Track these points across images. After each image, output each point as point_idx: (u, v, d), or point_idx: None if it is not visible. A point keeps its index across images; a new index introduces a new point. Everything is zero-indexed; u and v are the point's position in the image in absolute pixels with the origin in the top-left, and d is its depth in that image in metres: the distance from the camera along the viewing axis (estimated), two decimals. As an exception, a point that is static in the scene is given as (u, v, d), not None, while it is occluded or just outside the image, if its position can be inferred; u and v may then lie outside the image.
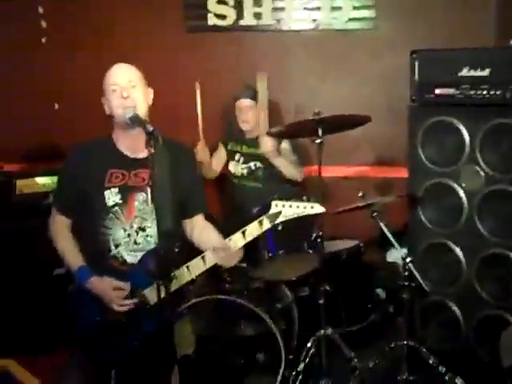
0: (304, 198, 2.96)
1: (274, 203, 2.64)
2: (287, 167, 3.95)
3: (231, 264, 2.78)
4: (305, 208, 2.62)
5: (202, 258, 2.73)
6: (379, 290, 4.22)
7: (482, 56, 3.29)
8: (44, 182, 4.14)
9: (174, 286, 2.63)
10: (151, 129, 2.32)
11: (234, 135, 4.30)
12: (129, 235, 2.71)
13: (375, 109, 4.39)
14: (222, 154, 4.33)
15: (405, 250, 3.60)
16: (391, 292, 4.11)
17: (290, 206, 2.62)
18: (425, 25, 4.30)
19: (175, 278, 2.69)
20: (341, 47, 4.50)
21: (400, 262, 3.33)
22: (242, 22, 4.59)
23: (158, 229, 2.45)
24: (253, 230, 2.67)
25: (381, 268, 4.27)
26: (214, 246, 2.71)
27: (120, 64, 2.73)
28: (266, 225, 2.65)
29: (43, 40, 4.93)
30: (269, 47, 4.62)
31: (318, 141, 3.19)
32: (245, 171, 4.20)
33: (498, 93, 3.21)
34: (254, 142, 4.09)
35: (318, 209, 2.61)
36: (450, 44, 3.88)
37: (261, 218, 2.65)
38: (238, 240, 2.68)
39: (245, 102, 4.10)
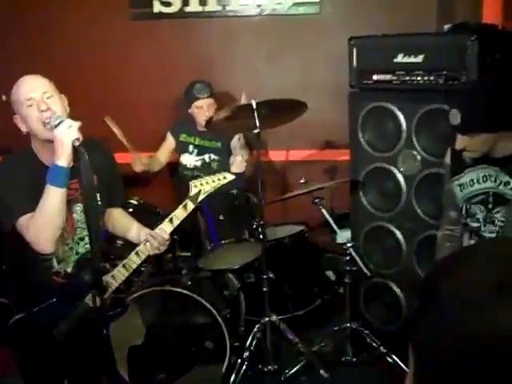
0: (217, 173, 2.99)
1: (191, 184, 2.77)
2: (241, 162, 3.92)
3: (161, 251, 2.82)
4: (219, 180, 2.78)
5: (136, 252, 2.76)
6: (329, 273, 4.31)
7: (416, 42, 3.34)
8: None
9: (111, 288, 2.69)
10: (77, 144, 2.33)
11: (186, 126, 4.28)
12: (71, 248, 2.70)
13: (320, 93, 4.46)
14: (170, 144, 4.33)
15: (349, 232, 3.68)
16: (341, 273, 4.19)
17: (207, 183, 2.76)
18: (368, 10, 4.34)
19: (111, 283, 2.74)
20: (285, 32, 4.52)
21: (348, 242, 3.41)
22: (187, 9, 4.58)
23: (89, 234, 2.47)
24: (179, 214, 2.75)
25: (330, 250, 4.34)
26: (147, 237, 2.75)
27: (29, 77, 2.59)
28: (191, 207, 2.75)
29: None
30: (215, 33, 4.62)
31: (256, 131, 3.22)
32: (198, 163, 4.20)
33: (431, 79, 3.25)
34: (208, 134, 4.11)
35: (230, 177, 2.79)
36: (393, 30, 3.93)
37: (184, 201, 2.74)
38: (166, 227, 2.75)
39: (205, 102, 4.09)
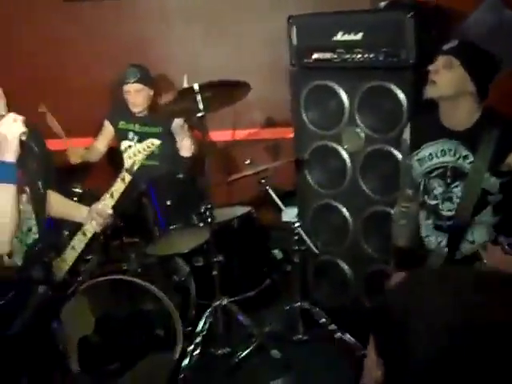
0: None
1: (125, 157, 2.83)
2: (190, 145, 3.94)
3: (104, 226, 2.83)
4: (148, 147, 2.80)
5: (83, 232, 2.78)
6: (276, 251, 4.32)
7: (355, 20, 3.35)
8: None
9: (63, 271, 2.69)
10: (24, 138, 2.26)
11: (124, 113, 4.17)
12: (21, 240, 2.63)
13: (260, 71, 4.43)
14: (109, 132, 4.23)
15: (295, 210, 3.69)
16: (288, 251, 4.22)
17: (139, 152, 2.79)
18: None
19: (62, 266, 2.70)
20: (222, 9, 4.45)
21: (294, 220, 3.42)
22: (121, -11, 4.47)
23: (38, 224, 2.43)
24: (118, 188, 2.77)
25: (276, 228, 4.35)
26: (92, 214, 2.76)
27: None
28: (128, 178, 2.78)
29: None
30: (150, 14, 4.52)
31: (200, 114, 3.18)
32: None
33: (371, 56, 3.27)
34: (147, 120, 4.04)
35: (156, 142, 2.82)
36: (329, 6, 3.93)
37: (121, 174, 2.77)
38: (108, 202, 2.78)
39: (132, 87, 4.00)
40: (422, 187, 2.70)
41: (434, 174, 2.64)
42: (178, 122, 3.95)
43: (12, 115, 2.30)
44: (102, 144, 4.23)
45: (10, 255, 2.57)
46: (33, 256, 2.59)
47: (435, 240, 2.66)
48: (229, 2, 4.44)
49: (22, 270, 2.62)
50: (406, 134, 2.77)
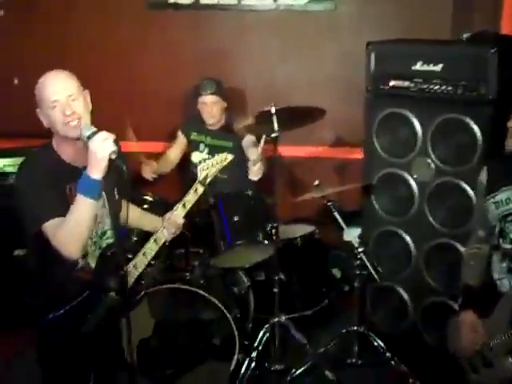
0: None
1: (199, 169, 2.95)
2: (258, 170, 3.91)
3: (175, 235, 2.96)
4: (221, 161, 2.96)
5: (155, 240, 2.90)
6: (335, 270, 4.34)
7: (436, 50, 3.35)
8: (5, 162, 4.10)
9: (133, 277, 2.84)
10: (114, 157, 2.32)
11: (197, 124, 4.26)
12: (95, 243, 2.70)
13: (334, 90, 4.46)
14: (182, 143, 4.32)
15: (357, 230, 3.70)
16: (347, 271, 4.23)
17: (212, 165, 2.95)
18: (385, 10, 4.33)
19: (133, 272, 2.86)
20: (301, 28, 4.50)
21: (355, 240, 3.43)
22: (202, 1, 4.55)
23: (113, 229, 2.54)
24: (191, 199, 2.91)
25: (337, 247, 4.36)
26: (164, 223, 2.90)
27: (54, 76, 2.54)
28: (200, 190, 2.93)
29: (1, 13, 4.82)
30: (229, 27, 4.60)
31: (274, 135, 3.23)
32: None
33: (449, 88, 3.26)
34: (219, 133, 4.12)
35: (229, 157, 2.98)
36: (408, 30, 3.93)
37: (194, 186, 2.91)
38: (180, 212, 2.91)
39: (208, 98, 4.08)
40: (497, 230, 2.69)
41: (510, 218, 2.63)
42: (249, 139, 4.00)
43: (104, 134, 2.36)
44: (174, 155, 4.32)
45: (83, 257, 2.68)
46: (107, 260, 2.68)
47: (509, 283, 2.65)
48: (309, 20, 4.47)
49: (95, 273, 2.72)
50: (483, 176, 2.76)
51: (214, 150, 4.12)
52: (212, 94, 4.06)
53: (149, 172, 4.13)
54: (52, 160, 2.61)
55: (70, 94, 2.51)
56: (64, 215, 2.47)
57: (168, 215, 2.96)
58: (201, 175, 2.93)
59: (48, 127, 2.58)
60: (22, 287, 3.23)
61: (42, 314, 2.66)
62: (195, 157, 4.23)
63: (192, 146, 4.27)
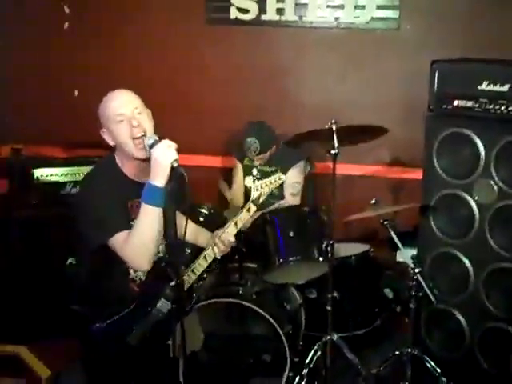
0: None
1: (253, 188, 2.94)
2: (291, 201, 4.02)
3: (225, 253, 2.97)
4: (275, 181, 2.94)
5: (204, 257, 2.93)
6: (387, 290, 4.27)
7: (503, 71, 3.27)
8: (62, 171, 4.18)
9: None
10: (176, 164, 2.34)
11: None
12: None
13: (394, 109, 4.42)
14: (240, 171, 4.32)
15: (411, 251, 3.63)
16: (399, 292, 4.16)
17: (266, 185, 2.93)
18: (449, 30, 4.27)
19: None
20: (362, 46, 4.49)
21: (409, 261, 3.35)
22: (264, 17, 4.59)
23: (166, 244, 2.57)
24: (243, 217, 2.91)
25: (390, 267, 4.30)
26: (215, 241, 2.91)
27: (119, 93, 2.61)
28: (253, 209, 2.92)
29: (66, 25, 4.95)
30: (289, 44, 4.62)
31: (334, 152, 3.21)
32: None
33: (516, 109, 3.20)
34: (268, 163, 4.12)
35: (283, 177, 2.97)
36: (472, 50, 3.87)
37: (247, 205, 2.91)
38: (231, 230, 2.91)
39: (255, 157, 4.06)
40: None
41: None
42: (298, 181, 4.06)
43: (167, 142, 2.39)
44: (238, 185, 4.33)
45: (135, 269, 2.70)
46: (157, 273, 2.69)
47: None
48: (370, 37, 4.46)
49: (145, 284, 2.73)
50: None
51: (265, 175, 4.11)
52: (257, 155, 4.01)
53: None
54: (116, 174, 2.66)
55: (135, 106, 2.56)
56: (129, 229, 2.50)
57: (219, 233, 2.96)
58: (254, 194, 2.93)
59: (112, 145, 2.63)
60: (71, 295, 3.28)
61: (89, 322, 2.69)
62: (248, 181, 4.22)
63: (245, 170, 4.28)
